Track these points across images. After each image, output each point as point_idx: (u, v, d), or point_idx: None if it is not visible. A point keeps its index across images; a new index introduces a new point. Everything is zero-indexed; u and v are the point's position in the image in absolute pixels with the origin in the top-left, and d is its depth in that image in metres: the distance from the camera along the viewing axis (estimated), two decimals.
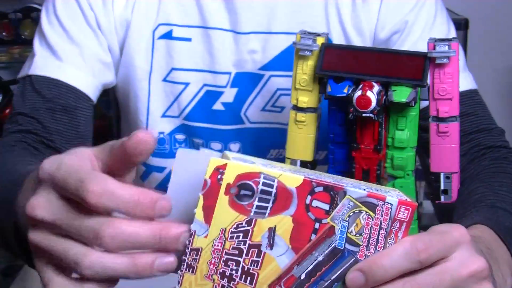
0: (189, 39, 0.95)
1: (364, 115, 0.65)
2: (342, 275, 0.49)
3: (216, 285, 0.49)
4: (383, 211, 0.49)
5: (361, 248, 0.49)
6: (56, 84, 0.92)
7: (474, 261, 0.51)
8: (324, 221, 0.49)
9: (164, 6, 0.95)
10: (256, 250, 0.49)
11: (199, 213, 0.48)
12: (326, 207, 0.49)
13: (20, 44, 2.22)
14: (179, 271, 0.49)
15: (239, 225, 0.49)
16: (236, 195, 0.48)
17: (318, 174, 0.52)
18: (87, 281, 0.48)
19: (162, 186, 0.99)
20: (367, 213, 0.49)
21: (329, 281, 0.49)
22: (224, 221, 0.48)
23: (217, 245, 0.48)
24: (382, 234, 0.49)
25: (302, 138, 0.72)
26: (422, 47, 0.68)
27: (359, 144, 0.68)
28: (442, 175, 0.70)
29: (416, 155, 0.70)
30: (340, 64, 0.69)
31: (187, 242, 0.48)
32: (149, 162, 0.99)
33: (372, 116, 0.65)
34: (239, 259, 0.49)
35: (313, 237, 0.49)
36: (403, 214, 0.49)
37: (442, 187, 0.70)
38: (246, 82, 0.96)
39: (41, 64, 0.94)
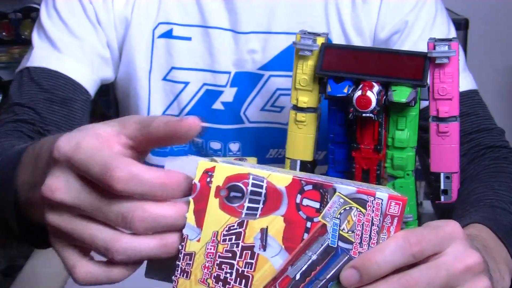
0: (189, 38, 0.96)
1: (364, 115, 0.65)
2: (337, 273, 0.49)
3: None
4: (373, 206, 0.49)
5: (354, 245, 0.49)
6: (54, 76, 0.92)
7: (469, 255, 0.51)
8: (315, 219, 0.49)
9: (164, 5, 0.95)
10: (249, 252, 0.49)
11: (190, 217, 0.48)
12: (317, 205, 0.49)
13: (20, 44, 2.22)
14: (173, 277, 0.48)
15: (231, 228, 0.48)
16: (226, 197, 0.48)
17: (307, 174, 0.52)
18: (115, 264, 0.48)
19: None
20: (358, 210, 0.49)
21: (324, 281, 0.49)
22: (215, 224, 0.48)
23: (210, 249, 0.48)
24: (375, 230, 0.49)
25: (302, 138, 0.72)
26: (422, 47, 0.68)
27: (359, 144, 0.68)
28: (442, 175, 0.70)
29: (416, 155, 0.70)
30: (340, 64, 0.69)
31: (180, 247, 0.48)
32: (149, 161, 0.99)
33: (372, 116, 0.65)
34: (233, 261, 0.48)
35: (306, 236, 0.49)
36: (394, 209, 0.49)
37: (442, 187, 0.70)
38: (245, 81, 0.96)
39: (40, 55, 0.93)
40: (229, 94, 0.96)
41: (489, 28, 2.41)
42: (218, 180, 0.48)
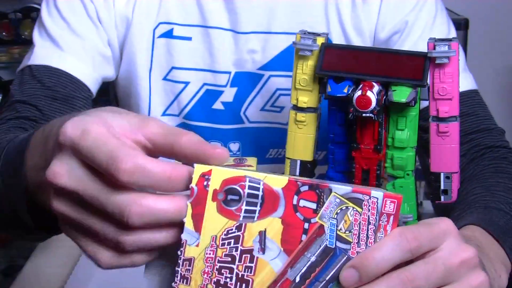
0: (189, 38, 0.96)
1: (364, 115, 0.65)
2: (336, 274, 0.49)
3: None
4: (369, 205, 0.49)
5: (352, 245, 0.49)
6: (56, 73, 0.92)
7: (464, 250, 0.52)
8: (313, 220, 0.49)
9: (165, 4, 0.95)
10: (249, 255, 0.48)
11: (188, 221, 0.47)
12: (314, 206, 0.49)
13: (20, 44, 2.22)
14: (173, 284, 0.48)
15: (230, 231, 0.48)
16: (223, 201, 0.48)
17: (301, 178, 0.52)
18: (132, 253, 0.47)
19: None
20: (355, 209, 0.49)
21: (324, 282, 0.49)
22: (214, 228, 0.48)
23: (209, 253, 0.48)
24: (372, 229, 0.49)
25: (302, 138, 0.72)
26: (423, 47, 0.68)
27: (359, 144, 0.68)
28: (442, 175, 0.70)
29: (416, 155, 0.70)
30: (340, 64, 0.69)
31: (179, 253, 0.48)
32: None
33: (372, 116, 0.65)
34: (233, 266, 0.48)
35: (304, 237, 0.49)
36: (390, 207, 0.49)
37: (442, 187, 0.70)
38: (245, 81, 0.96)
39: (42, 54, 0.94)
40: (229, 94, 0.96)
41: (489, 28, 2.41)
42: (215, 183, 0.48)
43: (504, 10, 2.45)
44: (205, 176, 0.47)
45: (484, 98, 0.96)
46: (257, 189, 0.48)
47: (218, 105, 0.97)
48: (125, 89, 1.00)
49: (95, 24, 0.94)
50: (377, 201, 0.49)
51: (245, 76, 0.96)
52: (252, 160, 0.81)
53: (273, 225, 0.48)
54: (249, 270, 0.49)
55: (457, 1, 1.96)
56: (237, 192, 0.48)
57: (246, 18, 0.94)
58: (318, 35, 0.71)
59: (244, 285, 0.49)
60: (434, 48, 0.66)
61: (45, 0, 0.96)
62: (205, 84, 0.96)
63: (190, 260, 0.48)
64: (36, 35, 0.95)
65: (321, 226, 0.49)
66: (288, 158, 0.73)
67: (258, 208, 0.48)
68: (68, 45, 0.93)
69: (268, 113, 0.97)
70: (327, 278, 0.49)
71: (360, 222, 0.49)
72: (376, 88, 0.66)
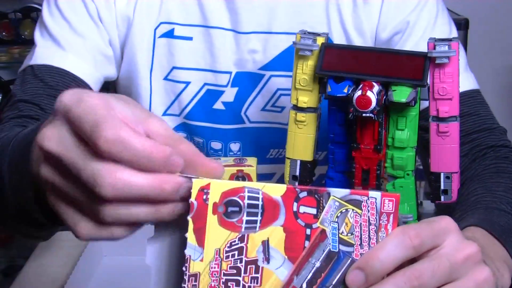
0: (190, 38, 0.96)
1: (364, 115, 0.65)
2: (342, 278, 0.49)
3: None
4: (368, 206, 0.49)
5: (355, 247, 0.49)
6: (59, 73, 0.92)
7: (466, 246, 0.52)
8: (314, 226, 0.49)
9: (166, 4, 0.95)
10: (254, 266, 0.48)
11: (191, 237, 0.47)
12: (314, 211, 0.49)
13: (20, 44, 2.21)
14: None
15: (233, 243, 0.48)
16: (224, 213, 0.48)
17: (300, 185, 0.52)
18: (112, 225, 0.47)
19: None
20: (354, 211, 0.49)
21: (330, 287, 0.49)
22: (217, 241, 0.48)
23: (214, 267, 0.48)
24: (373, 229, 0.49)
25: (302, 138, 0.72)
26: (424, 48, 0.68)
27: (359, 144, 0.68)
28: (442, 175, 0.70)
29: (417, 155, 0.70)
30: (340, 64, 0.69)
31: (184, 269, 0.48)
32: None
33: (372, 116, 0.65)
34: (238, 278, 0.48)
35: (307, 243, 0.49)
36: (388, 206, 0.49)
37: (442, 187, 0.70)
38: (246, 81, 0.96)
39: (44, 53, 0.94)
40: (230, 94, 0.96)
41: (489, 28, 2.41)
42: (214, 196, 0.48)
43: (504, 10, 2.45)
44: (204, 190, 0.47)
45: (484, 98, 0.96)
46: (257, 199, 0.48)
47: (218, 105, 0.97)
48: (125, 89, 1.00)
49: (96, 24, 0.94)
50: (375, 201, 0.49)
51: (246, 76, 0.96)
52: (252, 160, 0.81)
53: (275, 233, 0.48)
54: (255, 281, 0.48)
55: (457, 1, 1.96)
56: (237, 204, 0.48)
57: (247, 18, 0.94)
58: (318, 35, 0.71)
59: None
60: (434, 48, 0.66)
61: (46, 0, 0.96)
62: (206, 84, 0.96)
63: (195, 276, 0.48)
64: (38, 35, 0.95)
65: (323, 231, 0.49)
66: (288, 158, 0.73)
67: (259, 218, 0.48)
68: (69, 45, 0.93)
69: (268, 113, 0.97)
70: (333, 283, 0.49)
71: (360, 223, 0.49)
72: (376, 88, 0.66)
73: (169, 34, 0.96)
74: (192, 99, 0.97)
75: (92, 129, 0.44)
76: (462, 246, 0.52)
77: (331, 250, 0.49)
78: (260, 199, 0.48)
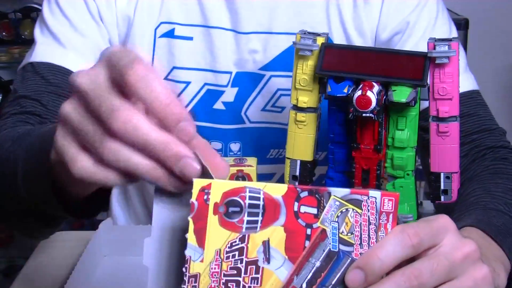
0: (190, 38, 0.96)
1: (364, 115, 0.65)
2: (342, 277, 0.49)
3: None
4: (369, 205, 0.49)
5: (355, 246, 0.49)
6: (60, 71, 0.92)
7: (465, 244, 0.52)
8: (314, 225, 0.49)
9: (166, 4, 0.95)
10: (254, 266, 0.48)
11: (191, 237, 0.47)
12: (314, 211, 0.49)
13: (20, 44, 2.21)
14: None
15: (233, 244, 0.48)
16: (225, 213, 0.48)
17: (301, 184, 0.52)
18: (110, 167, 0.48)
19: None
20: (355, 210, 0.49)
21: (330, 286, 0.49)
22: (217, 242, 0.48)
23: (214, 268, 0.48)
24: (372, 229, 0.49)
25: (302, 138, 0.72)
26: (424, 48, 0.68)
27: (359, 144, 0.68)
28: (442, 175, 0.70)
29: (417, 155, 0.70)
30: (340, 64, 0.69)
31: (184, 270, 0.48)
32: None
33: (372, 116, 0.65)
34: (239, 278, 0.48)
35: (307, 243, 0.49)
36: (388, 205, 0.49)
37: (442, 187, 0.70)
38: (246, 81, 0.96)
39: (44, 51, 0.93)
40: (230, 94, 0.96)
41: (489, 28, 2.41)
42: (215, 196, 0.47)
43: (504, 10, 2.45)
44: (204, 190, 0.47)
45: (484, 98, 0.96)
46: (258, 198, 0.48)
47: (219, 105, 0.97)
48: None
49: (97, 23, 0.94)
50: (375, 200, 0.49)
51: (246, 76, 0.96)
52: (252, 160, 0.81)
53: (276, 233, 0.48)
54: (255, 281, 0.48)
55: (457, 1, 1.96)
56: (238, 204, 0.48)
57: (247, 18, 0.94)
58: (318, 35, 0.71)
59: None
60: (434, 48, 0.66)
61: None
62: (206, 84, 0.96)
63: (195, 276, 0.48)
64: (38, 33, 0.95)
65: (323, 231, 0.49)
66: (288, 158, 0.73)
67: (260, 218, 0.48)
68: (70, 42, 0.93)
69: (269, 113, 0.97)
70: (333, 282, 0.49)
71: (360, 223, 0.49)
72: (376, 88, 0.66)
73: (170, 34, 0.96)
74: (192, 99, 0.97)
75: (127, 64, 0.46)
76: (461, 244, 0.52)
77: (331, 250, 0.49)
78: (261, 199, 0.48)
